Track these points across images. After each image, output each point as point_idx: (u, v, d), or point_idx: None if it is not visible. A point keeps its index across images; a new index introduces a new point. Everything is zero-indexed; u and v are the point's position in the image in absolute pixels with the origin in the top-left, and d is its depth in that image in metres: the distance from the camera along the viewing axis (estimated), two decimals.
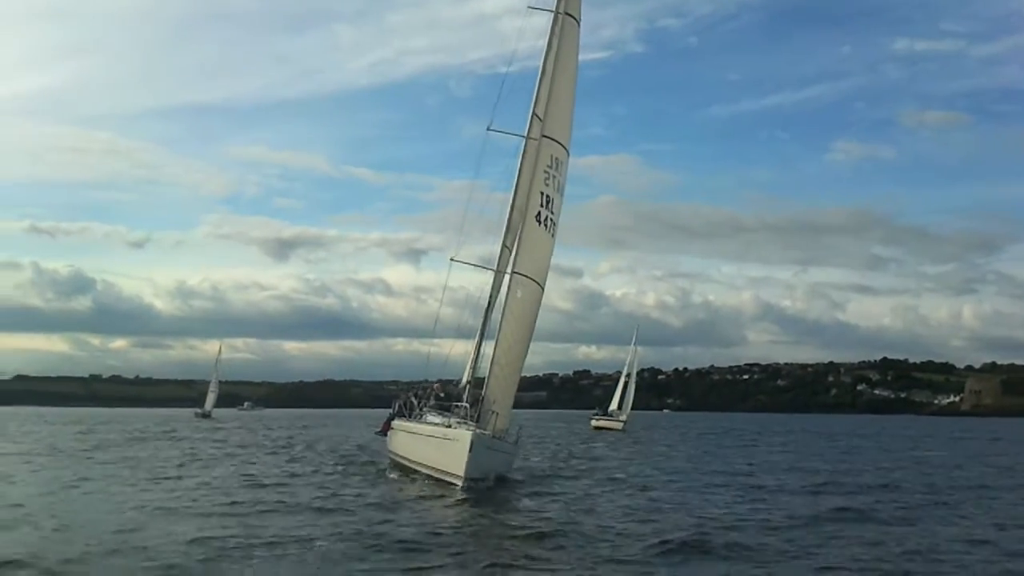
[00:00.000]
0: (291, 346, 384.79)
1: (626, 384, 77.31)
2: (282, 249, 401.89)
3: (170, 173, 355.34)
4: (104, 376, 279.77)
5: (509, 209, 25.32)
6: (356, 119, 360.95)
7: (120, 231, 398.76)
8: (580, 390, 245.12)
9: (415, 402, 27.17)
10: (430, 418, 25.46)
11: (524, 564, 12.97)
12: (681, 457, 37.62)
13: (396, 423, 27.09)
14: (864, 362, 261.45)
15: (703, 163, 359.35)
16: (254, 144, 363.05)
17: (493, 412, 23.56)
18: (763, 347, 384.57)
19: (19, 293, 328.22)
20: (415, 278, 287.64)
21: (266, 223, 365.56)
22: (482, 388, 24.37)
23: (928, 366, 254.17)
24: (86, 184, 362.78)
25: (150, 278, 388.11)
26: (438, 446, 22.86)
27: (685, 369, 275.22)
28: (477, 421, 22.99)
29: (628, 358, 78.67)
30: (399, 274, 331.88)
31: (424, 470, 23.57)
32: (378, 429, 29.96)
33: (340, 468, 28.43)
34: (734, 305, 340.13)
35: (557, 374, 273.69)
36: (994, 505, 20.73)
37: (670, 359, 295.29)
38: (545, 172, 23.99)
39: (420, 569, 12.48)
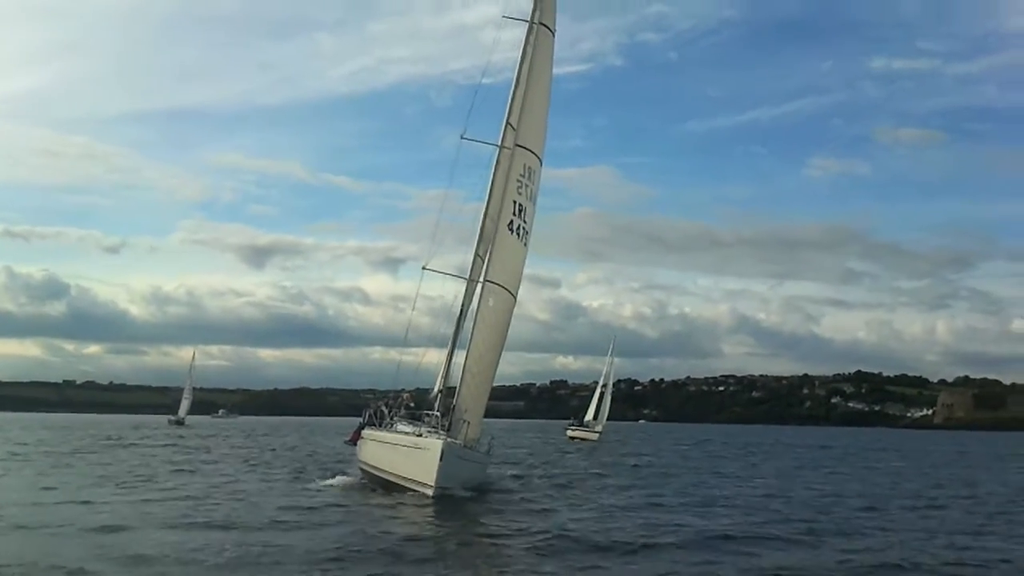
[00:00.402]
0: (267, 353, 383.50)
1: (602, 395, 77.40)
2: (258, 256, 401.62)
3: (146, 178, 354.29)
4: (78, 382, 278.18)
5: (482, 218, 25.37)
6: (335, 127, 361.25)
7: (95, 236, 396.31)
8: (557, 400, 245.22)
9: (385, 411, 27.02)
10: (400, 427, 25.32)
11: (485, 569, 13.34)
12: (648, 467, 37.68)
13: (366, 432, 26.92)
14: (838, 375, 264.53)
15: (680, 177, 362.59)
16: (231, 150, 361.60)
17: (464, 421, 23.56)
18: (739, 359, 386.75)
19: None
20: (393, 287, 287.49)
21: (242, 230, 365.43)
22: (453, 397, 24.36)
23: (902, 380, 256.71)
24: (61, 188, 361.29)
25: (125, 284, 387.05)
26: (408, 455, 22.71)
27: (662, 380, 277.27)
28: (448, 430, 22.94)
29: (604, 369, 78.90)
30: (376, 283, 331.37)
31: (394, 480, 23.37)
32: (347, 438, 29.75)
33: (306, 476, 28.29)
34: (710, 317, 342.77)
35: (535, 384, 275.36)
36: (930, 514, 21.24)
37: (647, 370, 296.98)
38: (518, 181, 24.08)
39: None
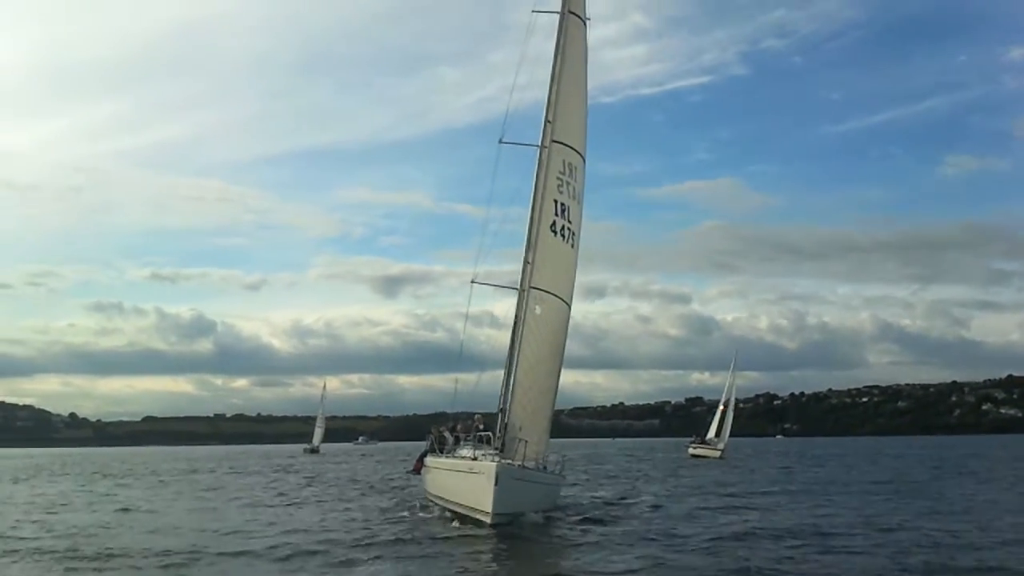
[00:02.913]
0: (404, 380, 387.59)
1: (724, 410, 74.56)
2: (391, 286, 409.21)
3: (281, 217, 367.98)
4: (228, 415, 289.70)
5: (528, 222, 23.79)
6: (457, 157, 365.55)
7: (236, 275, 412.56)
8: (692, 417, 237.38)
9: (448, 436, 25.83)
10: (461, 452, 24.05)
11: None
12: (744, 486, 34.88)
13: (428, 460, 25.78)
14: (989, 380, 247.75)
15: (809, 184, 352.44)
16: (359, 186, 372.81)
17: (520, 440, 22.00)
18: (883, 369, 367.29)
19: (144, 338, 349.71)
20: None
21: (374, 262, 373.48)
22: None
23: None
24: (203, 231, 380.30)
25: (267, 319, 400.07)
26: (466, 480, 21.31)
27: (802, 393, 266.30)
28: (502, 451, 21.52)
29: (727, 383, 75.95)
30: (504, 306, 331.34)
31: (455, 508, 22.03)
32: (410, 469, 28.62)
33: (370, 500, 27.56)
34: (851, 326, 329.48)
35: (669, 401, 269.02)
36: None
37: (786, 383, 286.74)
38: (558, 179, 22.59)
39: None
